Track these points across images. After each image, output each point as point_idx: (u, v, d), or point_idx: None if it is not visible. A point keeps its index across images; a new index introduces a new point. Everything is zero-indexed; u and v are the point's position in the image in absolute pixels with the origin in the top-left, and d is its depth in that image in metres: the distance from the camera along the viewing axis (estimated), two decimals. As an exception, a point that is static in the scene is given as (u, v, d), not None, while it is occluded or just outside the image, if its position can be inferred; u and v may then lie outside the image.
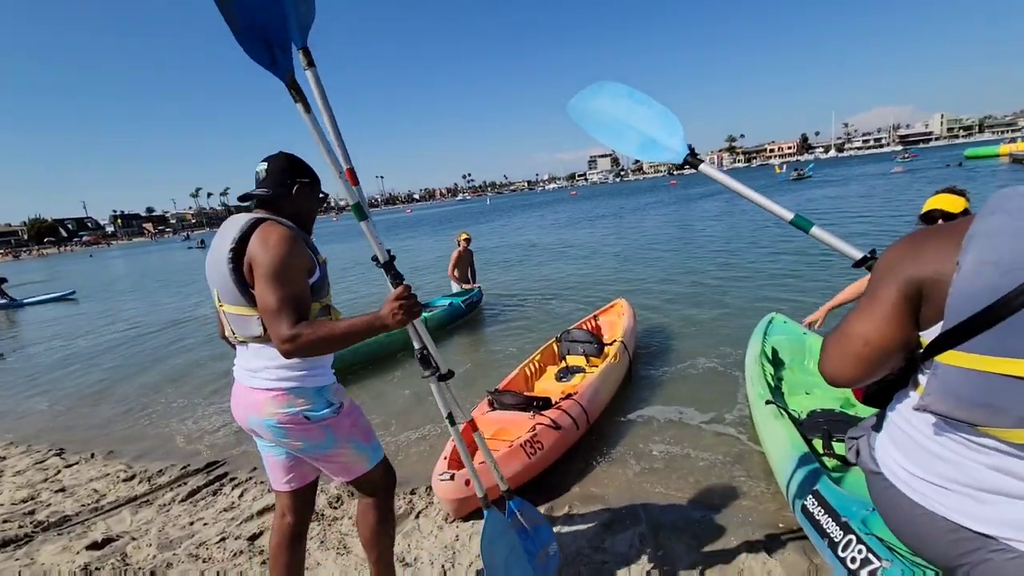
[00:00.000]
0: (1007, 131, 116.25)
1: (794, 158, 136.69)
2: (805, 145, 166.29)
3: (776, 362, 3.65)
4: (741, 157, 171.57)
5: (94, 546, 2.82)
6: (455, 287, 7.77)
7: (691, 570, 2.18)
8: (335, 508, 3.00)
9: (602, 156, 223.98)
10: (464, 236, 7.62)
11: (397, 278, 1.56)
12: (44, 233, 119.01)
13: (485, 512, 1.98)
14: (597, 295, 8.15)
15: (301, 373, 1.58)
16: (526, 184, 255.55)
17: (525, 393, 3.87)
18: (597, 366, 4.26)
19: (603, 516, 2.59)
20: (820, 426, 2.64)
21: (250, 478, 3.57)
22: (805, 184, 33.63)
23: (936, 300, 0.85)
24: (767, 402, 2.88)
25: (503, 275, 11.31)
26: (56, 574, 2.58)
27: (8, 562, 2.72)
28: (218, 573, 2.47)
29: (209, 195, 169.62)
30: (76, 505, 3.37)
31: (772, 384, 3.23)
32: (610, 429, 3.71)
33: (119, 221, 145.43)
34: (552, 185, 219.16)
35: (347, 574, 2.38)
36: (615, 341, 4.60)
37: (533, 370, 4.45)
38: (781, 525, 2.46)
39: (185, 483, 3.59)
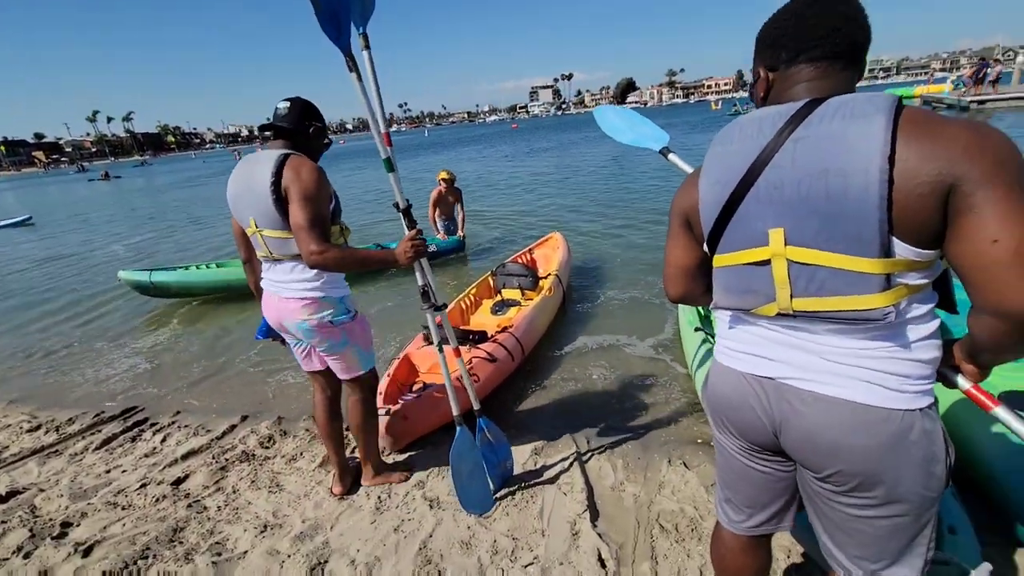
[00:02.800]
0: (921, 73, 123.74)
1: (730, 95, 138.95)
2: (740, 82, 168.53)
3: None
4: (680, 92, 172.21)
5: (-3, 500, 2.59)
6: (435, 235, 6.85)
7: (618, 488, 2.29)
8: (267, 448, 2.91)
9: (544, 87, 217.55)
10: (443, 174, 6.72)
11: (412, 223, 1.90)
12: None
13: (458, 428, 2.17)
14: (534, 229, 8.14)
15: (328, 286, 1.96)
16: (466, 115, 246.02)
17: (461, 327, 3.84)
18: (532, 299, 4.27)
19: (537, 443, 2.67)
20: None
21: (173, 423, 3.38)
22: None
23: (696, 223, 1.08)
24: (696, 329, 3.00)
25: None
26: (-50, 533, 2.36)
27: None
28: (139, 519, 2.34)
29: (110, 120, 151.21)
30: (-29, 459, 3.07)
31: (702, 314, 3.37)
32: (545, 360, 3.78)
33: (3, 148, 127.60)
34: (493, 117, 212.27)
35: (279, 510, 2.33)
36: (550, 275, 4.61)
37: (468, 304, 4.41)
38: (700, 440, 2.64)
39: (99, 431, 3.35)
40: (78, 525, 2.36)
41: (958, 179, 0.77)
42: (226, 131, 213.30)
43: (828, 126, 0.86)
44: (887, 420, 0.92)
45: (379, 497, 2.34)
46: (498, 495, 2.27)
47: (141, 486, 2.64)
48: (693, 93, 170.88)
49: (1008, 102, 18.24)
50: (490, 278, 4.75)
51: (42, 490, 2.69)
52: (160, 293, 6.22)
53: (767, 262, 0.96)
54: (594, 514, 2.12)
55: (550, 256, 5.41)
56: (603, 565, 1.86)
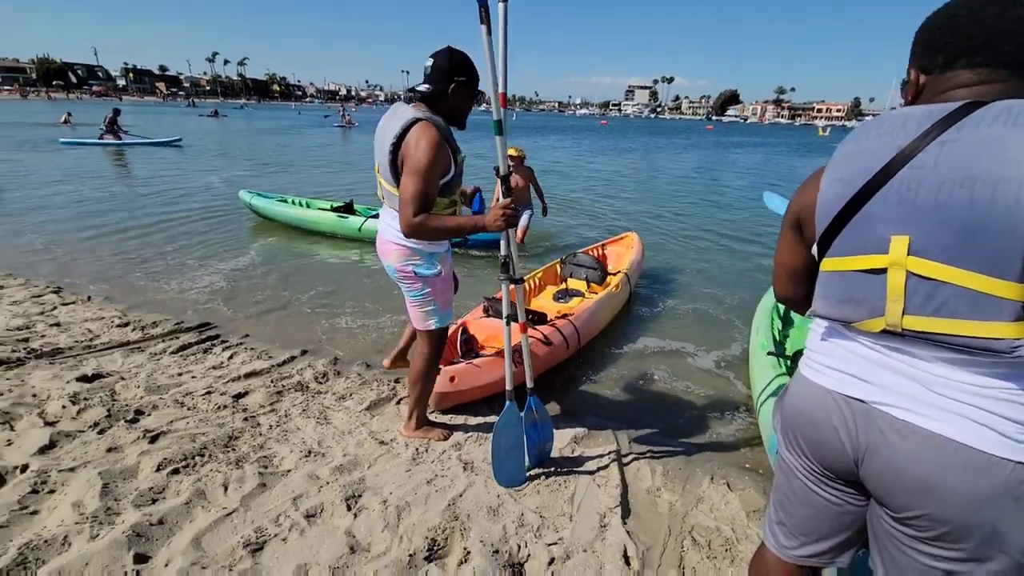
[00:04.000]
0: None
1: (841, 123, 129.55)
2: (856, 110, 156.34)
3: (786, 319, 3.58)
4: (786, 112, 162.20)
5: (84, 379, 2.88)
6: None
7: (653, 492, 2.22)
8: (320, 383, 3.05)
9: (641, 87, 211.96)
10: (512, 151, 5.83)
11: (508, 191, 1.88)
12: (53, 75, 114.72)
13: (507, 402, 2.17)
14: (610, 225, 8.00)
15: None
16: (557, 105, 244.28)
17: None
18: (597, 293, 4.20)
19: (578, 431, 2.63)
20: None
21: (241, 343, 3.61)
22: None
23: (809, 222, 1.01)
24: (768, 353, 2.83)
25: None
26: (45, 396, 2.65)
27: (-1, 381, 2.79)
28: (200, 421, 2.53)
29: (226, 62, 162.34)
30: (70, 340, 3.42)
31: (777, 339, 3.18)
32: (600, 354, 3.71)
33: (131, 75, 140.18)
34: (583, 111, 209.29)
35: (324, 441, 2.44)
36: (619, 272, 4.51)
37: (532, 286, 4.40)
38: (748, 466, 2.50)
39: (177, 337, 3.63)
40: (148, 415, 2.58)
41: None
42: (326, 87, 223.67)
43: (985, 130, 0.77)
44: (995, 468, 0.81)
45: (416, 449, 2.39)
46: (531, 473, 2.26)
47: (206, 393, 2.84)
48: (800, 115, 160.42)
49: None
50: (558, 265, 4.72)
51: (123, 378, 2.96)
52: (263, 216, 7.33)
53: (882, 271, 0.87)
54: (625, 511, 2.06)
55: (623, 254, 5.30)
56: (628, 562, 1.81)
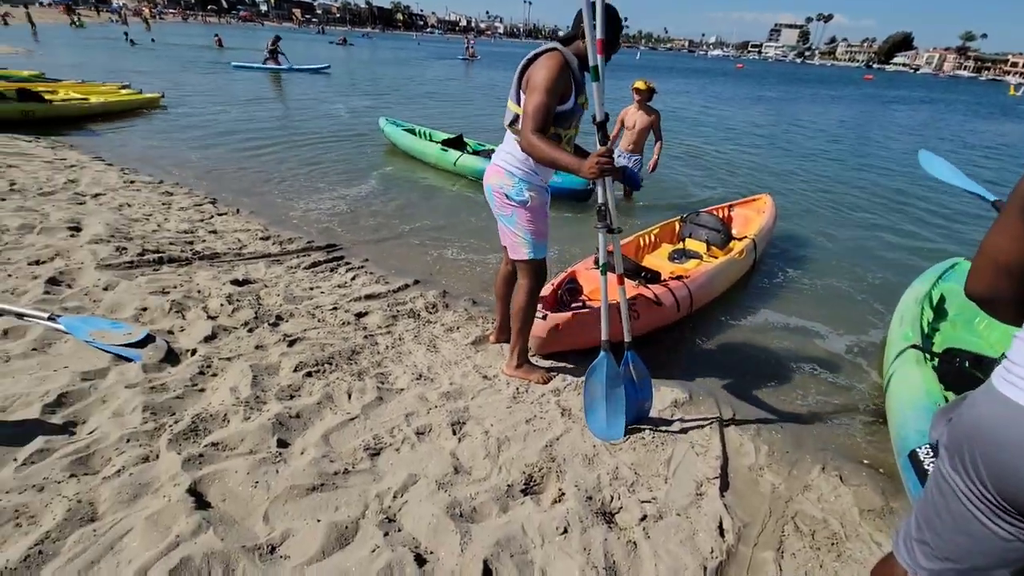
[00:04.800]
0: None
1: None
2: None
3: (939, 311, 3.13)
4: (972, 64, 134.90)
5: (236, 282, 3.29)
6: (622, 158, 5.63)
7: (756, 471, 2.13)
8: (430, 313, 3.23)
9: (789, 27, 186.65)
10: (640, 83, 5.42)
11: (605, 139, 1.91)
12: (207, 0, 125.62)
13: (602, 352, 2.18)
14: (739, 184, 7.40)
15: (516, 165, 2.18)
16: (687, 44, 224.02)
17: (634, 261, 3.71)
18: (717, 257, 3.93)
19: (680, 394, 2.56)
20: (961, 373, 2.34)
21: (362, 266, 3.90)
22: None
23: None
24: (912, 345, 2.51)
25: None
26: (208, 293, 3.08)
27: (172, 276, 3.27)
28: (328, 333, 2.80)
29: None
30: (224, 247, 3.90)
31: (925, 331, 2.81)
32: (714, 322, 3.53)
33: (272, 1, 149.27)
34: (716, 52, 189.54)
35: (433, 367, 2.61)
36: (745, 237, 4.17)
37: (648, 242, 4.23)
38: (867, 462, 2.31)
39: (308, 255, 4.00)
40: (287, 321, 2.91)
41: None
42: (447, 17, 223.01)
43: None
44: None
45: (517, 388, 2.48)
46: (630, 430, 2.26)
47: (333, 308, 3.13)
48: (989, 68, 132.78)
49: None
50: (677, 223, 4.47)
51: (266, 286, 3.34)
52: (393, 143, 7.94)
53: None
54: (724, 484, 2.01)
55: (751, 219, 4.88)
56: (722, 534, 1.77)
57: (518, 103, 2.08)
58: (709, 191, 7.02)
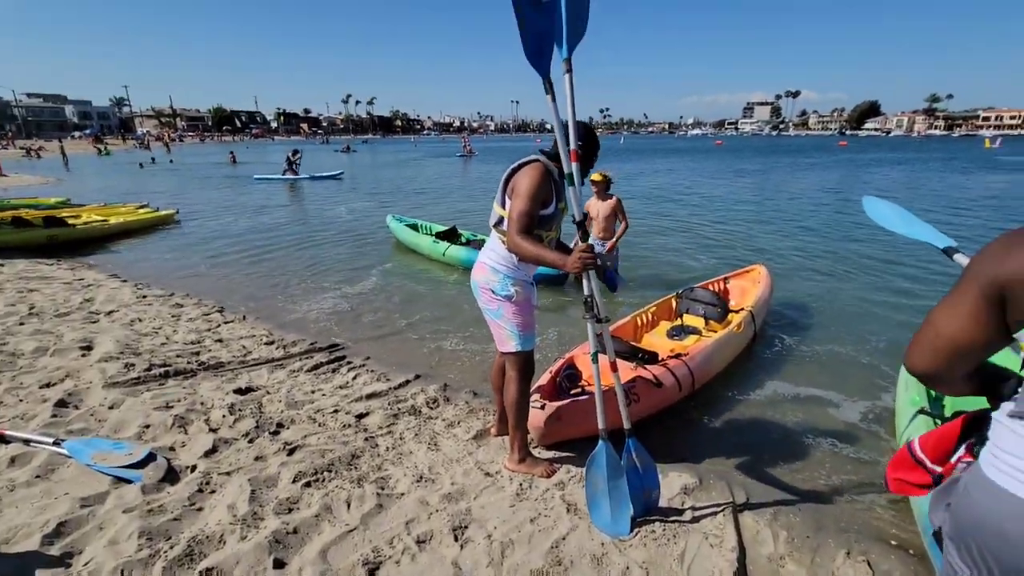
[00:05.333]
0: None
1: (1017, 131, 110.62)
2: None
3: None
4: (941, 123, 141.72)
5: (239, 391, 3.32)
6: (596, 245, 5.71)
7: (776, 561, 2.01)
8: (431, 408, 3.21)
9: (761, 104, 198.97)
10: (596, 176, 5.47)
11: (585, 236, 2.01)
12: (223, 122, 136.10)
13: (600, 442, 2.16)
14: (732, 256, 7.56)
15: (501, 262, 2.30)
16: (667, 126, 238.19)
17: (632, 343, 3.74)
18: (716, 331, 3.96)
19: (689, 480, 2.48)
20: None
21: (363, 365, 3.94)
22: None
23: (1019, 300, 0.82)
24: (921, 410, 2.47)
25: (631, 222, 10.83)
26: (211, 404, 3.10)
27: (177, 389, 3.32)
28: (329, 438, 2.78)
29: (357, 103, 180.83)
30: (229, 355, 3.98)
31: (933, 394, 2.76)
32: (718, 399, 3.49)
33: (282, 118, 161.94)
34: (696, 131, 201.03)
35: (434, 467, 2.56)
36: (742, 309, 4.22)
37: (644, 321, 4.28)
38: (894, 543, 2.18)
39: (311, 357, 4.06)
40: (287, 428, 2.90)
41: None
42: (442, 120, 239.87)
43: None
44: None
45: (520, 484, 2.42)
46: (638, 523, 2.17)
47: (334, 411, 3.13)
48: (960, 125, 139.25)
49: None
50: (674, 299, 4.54)
51: (268, 393, 3.36)
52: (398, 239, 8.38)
53: None
54: (743, 580, 1.90)
55: (747, 289, 4.95)
56: (746, 640, 1.65)
57: (503, 206, 2.23)
58: (703, 265, 7.18)
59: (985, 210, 12.12)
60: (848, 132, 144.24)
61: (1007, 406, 0.94)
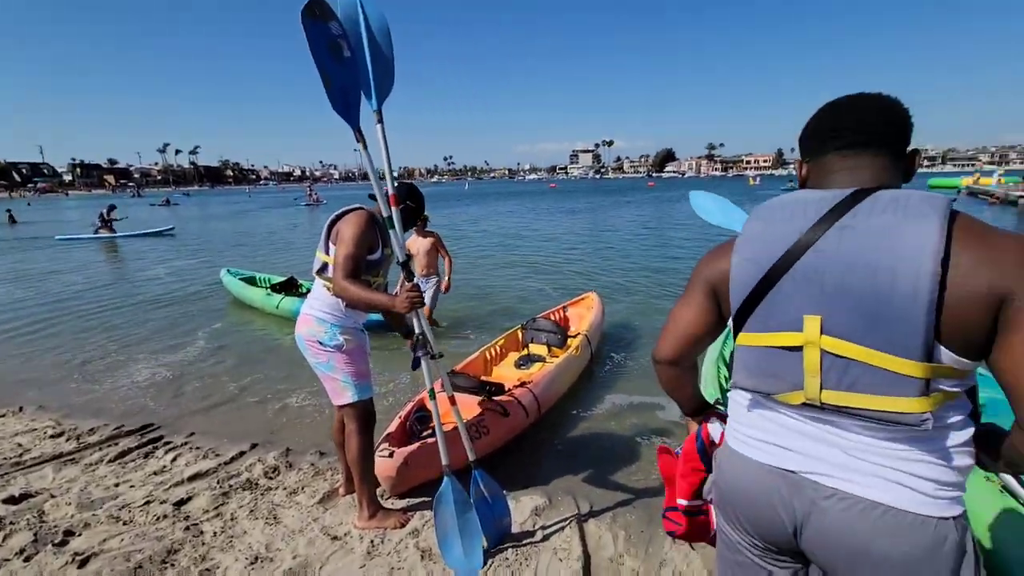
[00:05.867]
0: (967, 164, 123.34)
1: (769, 172, 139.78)
2: (780, 160, 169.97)
3: (731, 367, 3.71)
4: (719, 166, 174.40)
5: (10, 500, 2.67)
6: (421, 282, 5.71)
7: (616, 560, 2.19)
8: (270, 478, 2.92)
9: (584, 151, 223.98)
10: None
11: (410, 276, 2.06)
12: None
13: (444, 479, 2.14)
14: (570, 287, 8.20)
15: (327, 311, 2.23)
16: (507, 172, 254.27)
17: (481, 377, 3.85)
18: (558, 356, 4.26)
19: (540, 501, 2.60)
20: None
21: (185, 443, 3.44)
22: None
23: (726, 296, 1.03)
24: (716, 402, 2.92)
25: (478, 261, 11.24)
26: (-40, 528, 2.43)
27: (-92, 513, 2.54)
28: (137, 536, 2.36)
29: (177, 152, 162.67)
30: (-6, 459, 3.17)
31: (724, 387, 3.29)
32: (565, 419, 3.72)
33: (78, 170, 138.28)
34: (532, 176, 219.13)
35: (273, 543, 2.31)
36: (579, 334, 4.61)
37: (493, 355, 4.43)
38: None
39: (116, 444, 3.43)
40: (80, 535, 2.39)
41: (1011, 292, 0.76)
42: (280, 170, 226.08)
43: (879, 219, 0.84)
44: (921, 527, 0.85)
45: (371, 542, 2.30)
46: (491, 553, 2.20)
47: (145, 503, 2.67)
48: (732, 168, 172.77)
49: None
50: (519, 331, 4.79)
51: (53, 496, 2.75)
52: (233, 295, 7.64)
53: (798, 348, 0.92)
54: (589, 585, 2.02)
55: (583, 315, 5.42)
56: (593, 642, 1.76)
57: (327, 252, 2.19)
58: (545, 296, 7.70)
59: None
60: (654, 174, 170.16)
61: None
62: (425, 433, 3.04)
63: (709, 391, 3.19)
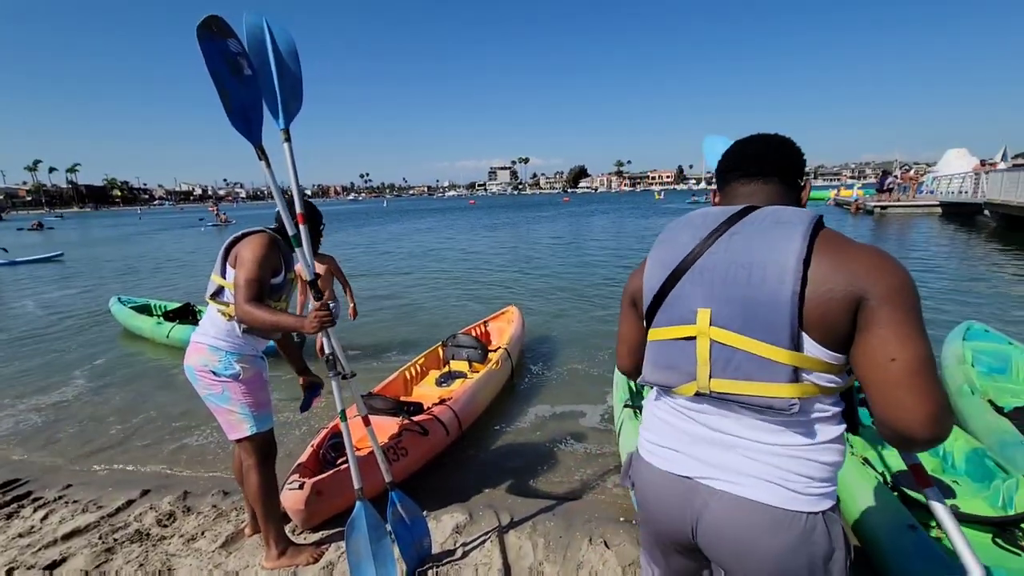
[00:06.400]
0: (834, 179, 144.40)
1: (672, 187, 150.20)
2: (681, 175, 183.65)
3: None
4: (628, 181, 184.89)
5: None
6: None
7: (536, 569, 2.22)
8: (164, 527, 2.65)
9: (502, 168, 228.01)
10: None
11: (319, 295, 1.95)
12: None
13: (357, 503, 2.06)
14: (491, 300, 8.24)
15: (222, 338, 2.08)
16: (426, 189, 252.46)
17: (400, 398, 3.76)
18: (479, 372, 4.26)
19: (461, 518, 2.57)
20: None
21: (60, 497, 3.04)
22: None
23: (640, 301, 1.16)
24: (626, 405, 3.06)
25: (400, 278, 11.01)
26: None
27: None
28: (-4, 611, 2.04)
29: (52, 170, 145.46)
30: None
31: (633, 389, 3.46)
32: (484, 435, 3.72)
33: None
34: (452, 192, 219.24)
35: (167, 599, 2.10)
36: (500, 348, 4.64)
37: (414, 374, 4.34)
38: (622, 518, 2.60)
39: (-31, 506, 2.96)
40: (-82, 619, 2.03)
41: (866, 293, 0.87)
42: (178, 188, 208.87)
43: (759, 226, 0.99)
44: (791, 522, 0.94)
45: (283, 581, 2.16)
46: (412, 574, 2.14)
47: (7, 572, 2.32)
48: (639, 183, 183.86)
49: (901, 208, 21.27)
50: (440, 348, 4.72)
51: None
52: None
53: (692, 339, 1.02)
54: (511, 597, 2.03)
55: (504, 329, 5.45)
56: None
57: (223, 276, 2.08)
58: (467, 311, 7.66)
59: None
60: (569, 190, 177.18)
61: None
62: (340, 461, 2.91)
63: (619, 394, 3.34)
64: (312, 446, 2.94)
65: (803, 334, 0.92)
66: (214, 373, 2.06)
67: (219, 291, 2.09)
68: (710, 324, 0.99)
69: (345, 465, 2.71)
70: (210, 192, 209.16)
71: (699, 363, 1.01)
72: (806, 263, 0.91)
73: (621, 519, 2.60)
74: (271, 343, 2.36)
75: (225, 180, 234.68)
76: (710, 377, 1.00)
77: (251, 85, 1.85)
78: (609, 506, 2.75)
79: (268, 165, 1.94)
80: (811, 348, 0.92)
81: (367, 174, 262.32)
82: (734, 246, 0.99)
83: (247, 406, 2.10)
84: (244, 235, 2.11)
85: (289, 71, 1.95)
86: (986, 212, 17.36)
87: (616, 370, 3.90)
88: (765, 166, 1.11)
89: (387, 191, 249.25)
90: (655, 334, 1.10)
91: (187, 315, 6.69)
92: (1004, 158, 27.53)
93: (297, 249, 2.00)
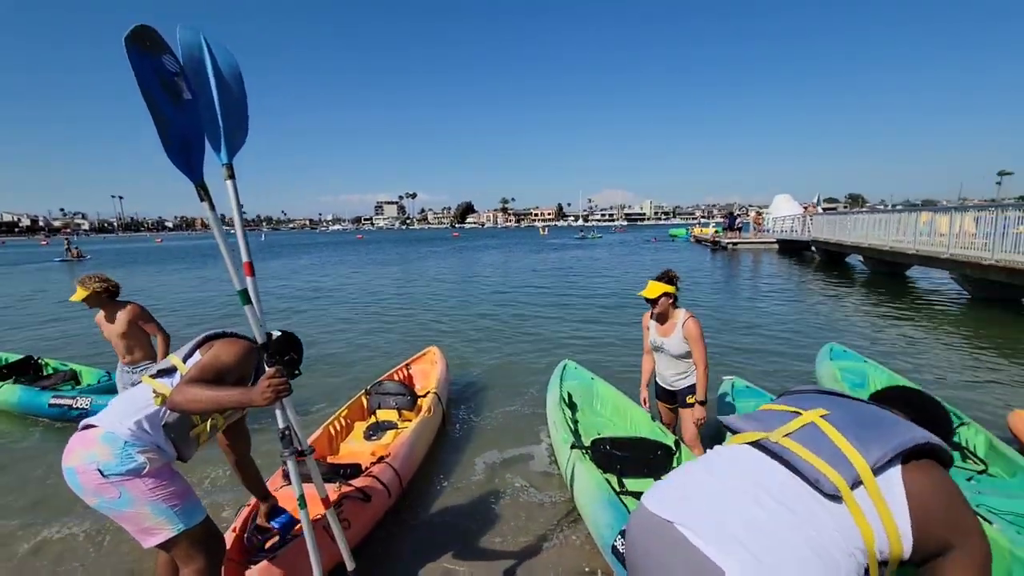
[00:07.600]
0: (690, 217, 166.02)
1: (554, 223, 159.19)
2: (561, 213, 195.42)
3: (572, 406, 3.95)
4: (513, 218, 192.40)
5: None
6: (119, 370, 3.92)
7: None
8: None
9: (388, 203, 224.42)
10: (80, 291, 3.58)
11: (272, 361, 1.76)
12: None
13: None
14: (406, 343, 7.79)
15: (128, 423, 1.73)
16: (308, 222, 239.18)
17: (328, 459, 3.40)
18: (410, 420, 4.01)
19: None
20: (609, 455, 2.92)
21: None
22: (588, 244, 38.91)
23: None
24: (572, 446, 3.06)
25: (291, 321, 10.07)
26: None
27: None
28: None
29: None
30: None
31: (573, 428, 3.48)
32: (427, 491, 3.47)
33: None
34: (336, 226, 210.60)
35: None
36: (428, 392, 4.42)
37: (339, 428, 3.95)
38: (587, 569, 2.56)
39: None
40: None
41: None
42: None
43: None
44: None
45: None
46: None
47: None
48: (523, 219, 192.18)
49: (747, 244, 26.31)
50: (363, 398, 4.36)
51: None
52: None
53: None
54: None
55: (428, 371, 5.18)
56: None
57: (184, 361, 1.91)
58: (381, 354, 7.18)
59: (552, 273, 17.27)
60: (457, 225, 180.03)
61: None
62: (270, 544, 2.51)
63: (563, 435, 3.33)
64: (233, 531, 2.51)
65: None
66: (101, 473, 1.65)
67: (168, 372, 1.85)
68: None
69: (282, 548, 2.36)
70: (41, 223, 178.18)
71: None
72: None
73: (587, 569, 2.56)
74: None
75: (63, 209, 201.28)
76: None
77: (191, 112, 1.62)
78: (568, 557, 2.69)
79: (212, 207, 1.72)
80: None
81: (242, 205, 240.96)
82: None
83: (161, 502, 1.73)
84: (226, 334, 2.01)
85: (233, 97, 1.74)
86: (812, 248, 20.87)
87: (548, 408, 3.88)
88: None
89: (264, 223, 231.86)
90: None
91: (27, 369, 5.49)
92: (818, 203, 34.03)
93: (246, 307, 1.78)
